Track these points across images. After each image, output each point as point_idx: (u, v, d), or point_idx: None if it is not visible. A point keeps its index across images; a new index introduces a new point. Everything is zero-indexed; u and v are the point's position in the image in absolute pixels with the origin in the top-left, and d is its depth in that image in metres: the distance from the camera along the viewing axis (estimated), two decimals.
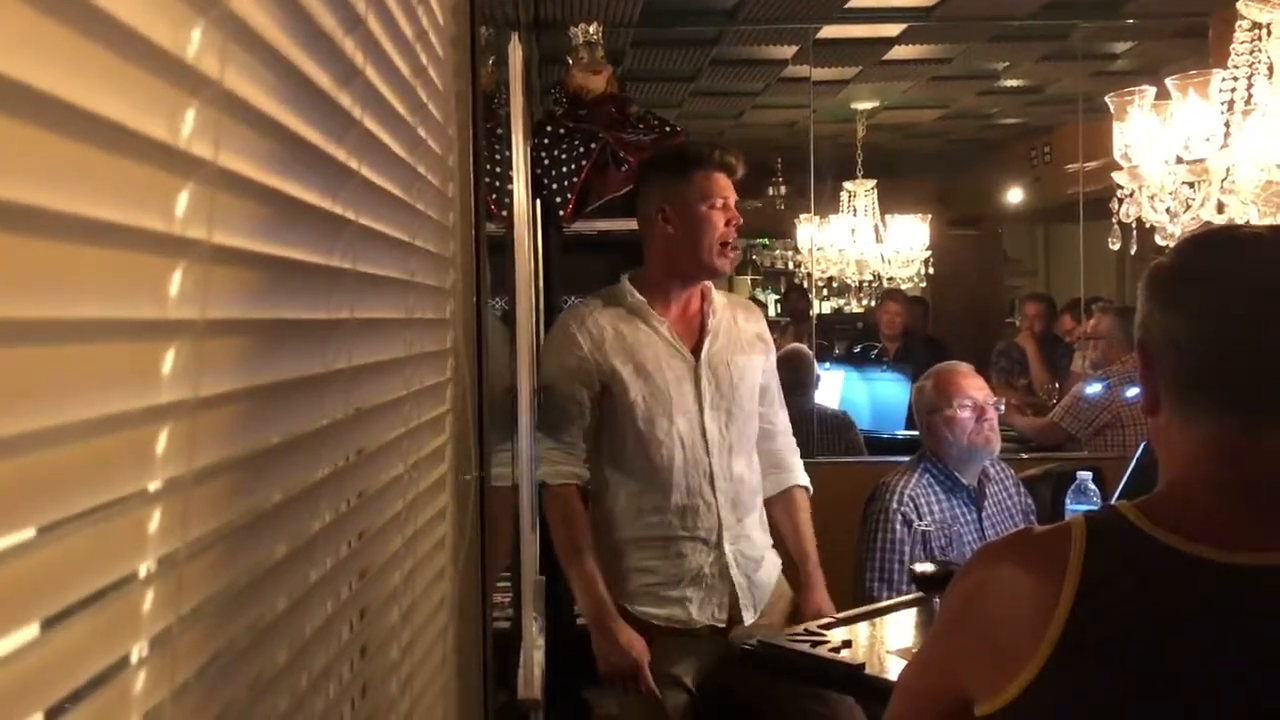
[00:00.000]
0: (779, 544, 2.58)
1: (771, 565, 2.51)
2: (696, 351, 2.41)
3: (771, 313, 7.90)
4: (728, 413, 2.41)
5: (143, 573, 0.54)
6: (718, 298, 2.49)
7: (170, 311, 0.56)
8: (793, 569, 2.58)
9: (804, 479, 2.61)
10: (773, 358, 2.60)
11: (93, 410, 0.49)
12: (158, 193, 0.55)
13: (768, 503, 2.55)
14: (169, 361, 0.56)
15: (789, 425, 2.65)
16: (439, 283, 1.33)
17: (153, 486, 0.55)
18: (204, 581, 0.60)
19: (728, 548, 2.39)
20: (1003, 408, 3.02)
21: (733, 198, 2.40)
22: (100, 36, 0.48)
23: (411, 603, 1.18)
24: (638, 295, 2.41)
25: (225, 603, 0.64)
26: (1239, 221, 2.60)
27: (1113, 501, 2.58)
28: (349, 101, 0.85)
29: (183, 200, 0.56)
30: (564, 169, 3.65)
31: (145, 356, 0.55)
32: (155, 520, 0.55)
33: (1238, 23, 2.60)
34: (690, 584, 2.37)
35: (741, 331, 2.49)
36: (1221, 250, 1.18)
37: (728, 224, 2.37)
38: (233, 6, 0.59)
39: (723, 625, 2.38)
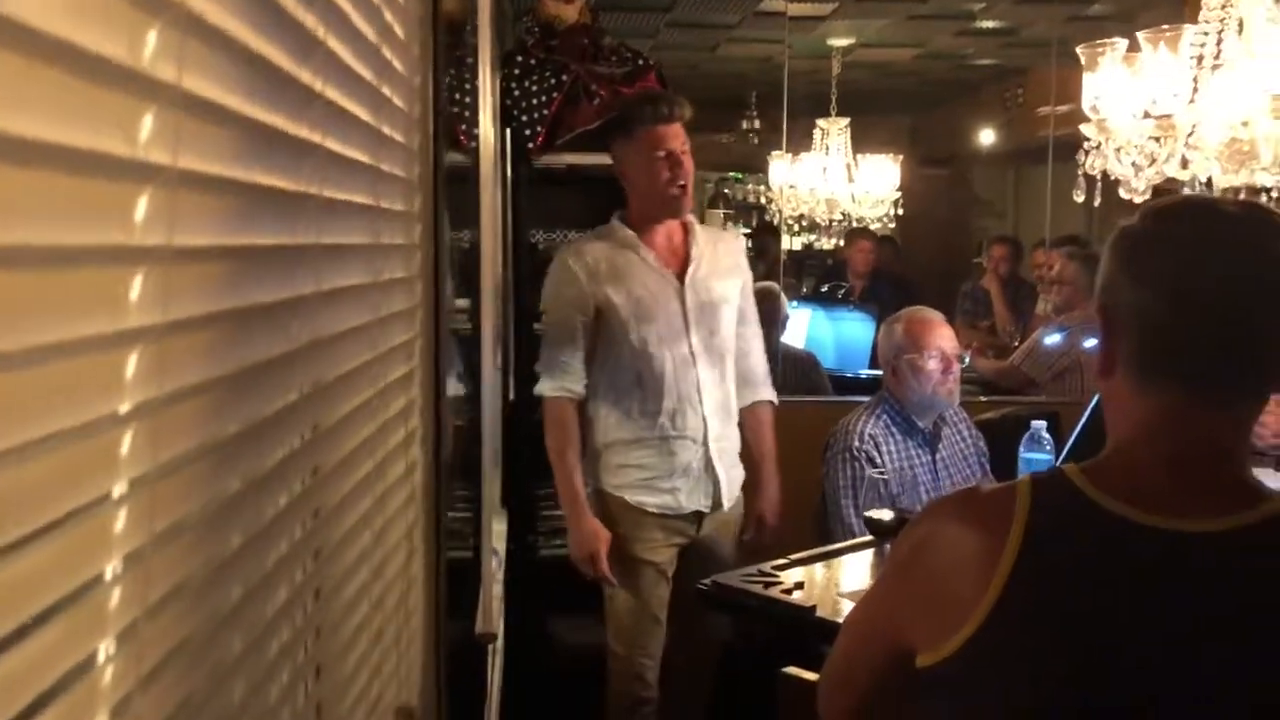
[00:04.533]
0: (744, 451, 2.94)
1: (741, 466, 2.90)
2: (681, 277, 2.75)
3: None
4: (710, 329, 2.77)
5: (116, 494, 0.56)
6: (699, 230, 2.84)
7: (136, 238, 0.56)
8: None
9: (771, 394, 3.00)
10: (749, 283, 2.94)
11: (57, 335, 0.50)
12: (121, 119, 0.55)
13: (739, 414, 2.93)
14: (136, 287, 0.56)
15: (762, 346, 3.00)
16: (405, 206, 1.33)
17: (123, 409, 0.56)
18: (176, 502, 0.62)
19: (712, 445, 2.78)
20: (967, 359, 3.07)
21: (678, 142, 2.70)
22: None
23: (383, 525, 1.20)
24: (627, 230, 2.76)
25: (196, 534, 0.66)
26: (1201, 177, 2.62)
27: (1064, 454, 2.63)
28: (313, 22, 0.85)
29: (146, 126, 0.56)
30: (535, 100, 3.61)
31: (112, 283, 0.55)
32: (125, 443, 0.56)
33: None
34: (680, 475, 2.76)
35: (720, 259, 2.83)
36: (1194, 224, 1.18)
37: (672, 169, 2.68)
38: None
39: (707, 510, 2.81)
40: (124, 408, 0.56)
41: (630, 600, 2.79)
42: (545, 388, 2.78)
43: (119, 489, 0.56)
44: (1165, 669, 1.10)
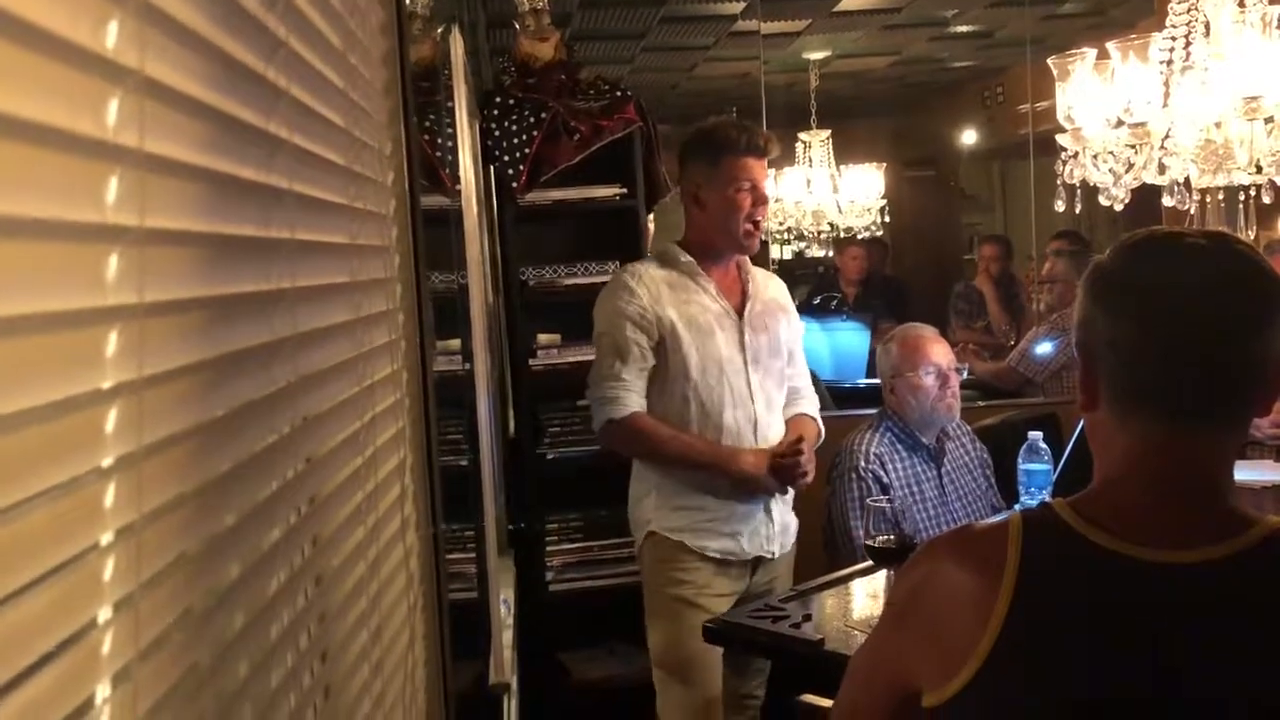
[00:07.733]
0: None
1: (793, 515, 2.76)
2: (739, 312, 2.66)
3: None
4: (765, 369, 2.67)
5: (105, 464, 0.58)
6: (751, 267, 2.75)
7: (109, 216, 0.58)
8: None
9: (814, 410, 2.84)
10: (797, 323, 2.83)
11: (36, 307, 0.52)
12: (88, 101, 0.57)
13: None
14: (112, 266, 0.58)
15: (811, 385, 2.90)
16: (382, 241, 1.34)
17: (106, 385, 0.58)
18: (165, 483, 0.64)
19: None
20: (965, 373, 3.08)
21: (762, 178, 2.62)
22: None
23: (382, 572, 1.23)
24: (688, 256, 2.64)
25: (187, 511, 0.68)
26: (1179, 178, 2.64)
27: (1058, 470, 2.64)
28: (275, 23, 0.88)
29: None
30: (515, 140, 3.63)
31: (88, 259, 0.57)
32: (111, 421, 0.58)
33: None
34: (740, 519, 2.61)
35: (772, 299, 2.76)
36: (1166, 258, 1.21)
37: (754, 205, 2.59)
38: None
39: (770, 556, 2.66)
40: (107, 384, 0.58)
41: (671, 640, 2.60)
42: (611, 411, 2.54)
43: (107, 463, 0.58)
44: (1163, 700, 1.11)
